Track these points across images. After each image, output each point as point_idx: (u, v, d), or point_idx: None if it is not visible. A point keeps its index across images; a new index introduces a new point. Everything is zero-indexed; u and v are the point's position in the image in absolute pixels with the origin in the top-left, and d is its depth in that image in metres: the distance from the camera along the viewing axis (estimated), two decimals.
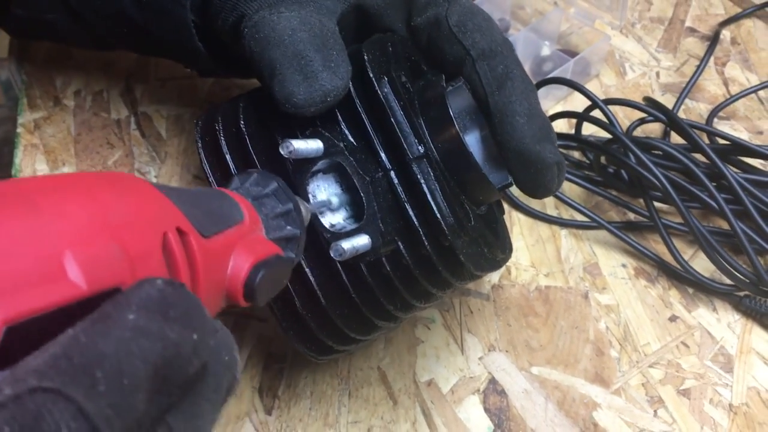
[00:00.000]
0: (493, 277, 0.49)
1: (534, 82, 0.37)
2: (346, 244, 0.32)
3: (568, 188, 0.54)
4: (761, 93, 0.61)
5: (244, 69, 0.45)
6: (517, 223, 0.52)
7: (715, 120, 0.58)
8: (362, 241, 0.33)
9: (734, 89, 0.61)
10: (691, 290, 0.49)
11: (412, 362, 0.44)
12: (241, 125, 0.35)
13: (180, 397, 0.18)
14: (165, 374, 0.16)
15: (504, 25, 0.64)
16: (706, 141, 0.53)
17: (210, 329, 0.19)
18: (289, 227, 0.29)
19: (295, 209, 0.29)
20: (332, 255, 0.32)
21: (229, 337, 0.20)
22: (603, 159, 0.53)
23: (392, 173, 0.34)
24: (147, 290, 0.17)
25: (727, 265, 0.46)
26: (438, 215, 0.33)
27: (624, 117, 0.58)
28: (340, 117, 0.34)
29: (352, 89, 0.34)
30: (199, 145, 0.36)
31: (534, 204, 0.52)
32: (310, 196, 0.34)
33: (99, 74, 0.59)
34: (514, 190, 0.53)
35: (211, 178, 0.36)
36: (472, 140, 0.35)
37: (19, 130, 0.55)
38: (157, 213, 0.21)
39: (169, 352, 0.16)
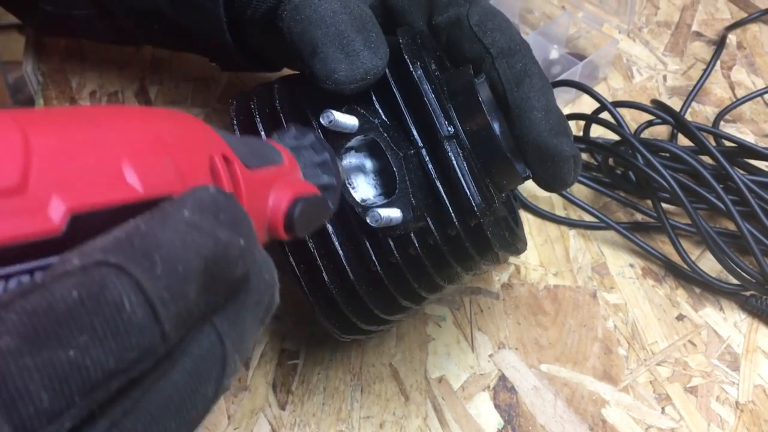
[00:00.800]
0: (503, 276, 0.49)
1: None
2: (382, 212, 0.33)
3: (577, 189, 0.54)
4: (767, 96, 0.62)
5: (266, 62, 0.46)
6: (526, 224, 0.53)
7: (722, 123, 0.59)
8: (395, 213, 0.34)
9: (740, 93, 0.62)
10: (698, 290, 0.49)
11: (424, 359, 0.45)
12: (276, 104, 0.36)
13: (226, 300, 0.19)
14: (214, 271, 0.17)
15: None
16: (713, 143, 0.53)
17: (255, 241, 0.20)
18: (325, 176, 0.30)
19: (332, 159, 0.30)
20: (368, 221, 0.33)
21: (270, 261, 0.21)
22: (611, 160, 0.53)
23: (423, 151, 0.35)
24: (200, 193, 0.18)
25: (733, 266, 0.47)
26: (467, 191, 0.34)
27: (631, 120, 0.59)
28: (374, 97, 0.36)
29: (386, 70, 0.35)
30: (234, 123, 0.37)
31: (543, 204, 0.53)
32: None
33: (114, 75, 0.60)
34: (523, 191, 0.54)
35: None
36: None
37: None
38: (204, 139, 0.22)
39: (219, 250, 0.17)
